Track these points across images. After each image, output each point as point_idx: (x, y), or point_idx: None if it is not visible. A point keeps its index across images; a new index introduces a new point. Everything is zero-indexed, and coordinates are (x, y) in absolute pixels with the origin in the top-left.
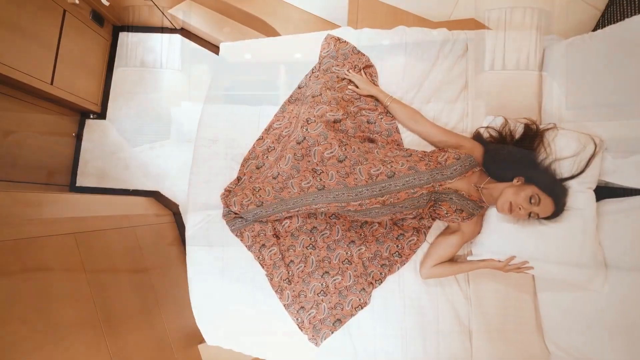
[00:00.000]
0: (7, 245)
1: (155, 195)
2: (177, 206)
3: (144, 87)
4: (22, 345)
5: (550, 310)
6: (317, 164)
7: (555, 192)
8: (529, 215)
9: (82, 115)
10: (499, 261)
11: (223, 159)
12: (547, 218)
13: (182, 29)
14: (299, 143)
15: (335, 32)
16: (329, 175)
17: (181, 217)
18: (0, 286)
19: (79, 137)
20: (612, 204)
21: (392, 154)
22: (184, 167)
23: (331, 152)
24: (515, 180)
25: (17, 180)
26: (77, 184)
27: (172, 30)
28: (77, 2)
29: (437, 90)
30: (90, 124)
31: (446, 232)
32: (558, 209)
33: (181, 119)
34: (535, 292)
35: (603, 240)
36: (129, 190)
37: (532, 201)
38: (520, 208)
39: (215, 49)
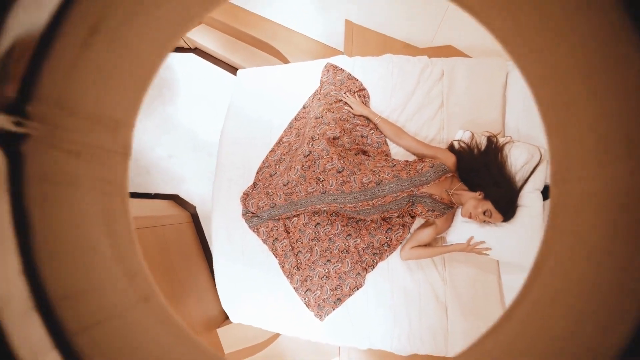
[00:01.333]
0: None
1: (174, 198)
2: (194, 207)
3: (161, 102)
4: None
5: (511, 289)
6: (320, 174)
7: (504, 209)
8: (484, 221)
9: None
10: (462, 244)
11: (241, 167)
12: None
13: (195, 48)
14: (305, 156)
15: (333, 60)
16: (330, 183)
17: (198, 218)
18: None
19: None
20: None
21: (379, 165)
22: (199, 173)
23: (332, 164)
24: (477, 194)
25: None
26: None
27: (186, 50)
28: None
29: (419, 109)
30: None
31: (424, 224)
32: (506, 219)
33: (196, 130)
34: (500, 274)
35: None
36: (150, 194)
37: (486, 214)
38: (477, 218)
39: (226, 66)
